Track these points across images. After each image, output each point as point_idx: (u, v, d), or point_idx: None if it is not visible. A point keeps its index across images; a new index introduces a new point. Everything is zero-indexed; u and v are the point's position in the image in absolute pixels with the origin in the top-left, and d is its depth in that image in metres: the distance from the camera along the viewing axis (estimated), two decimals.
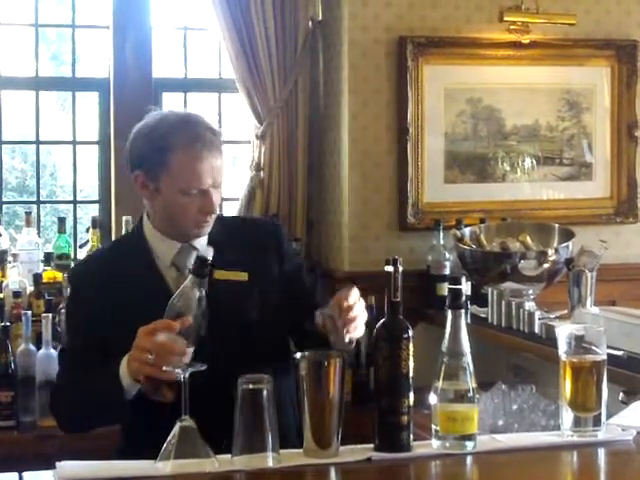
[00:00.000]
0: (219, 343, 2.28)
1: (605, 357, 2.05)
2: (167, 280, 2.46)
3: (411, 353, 1.96)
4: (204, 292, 2.15)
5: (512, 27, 4.36)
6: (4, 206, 4.37)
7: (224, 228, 2.54)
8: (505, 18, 4.32)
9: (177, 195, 2.40)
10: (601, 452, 2.02)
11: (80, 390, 2.35)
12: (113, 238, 4.22)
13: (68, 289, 2.54)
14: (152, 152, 2.40)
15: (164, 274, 2.47)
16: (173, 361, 2.09)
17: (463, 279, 2.01)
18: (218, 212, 2.51)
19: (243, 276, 2.46)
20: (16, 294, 3.65)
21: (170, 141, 2.38)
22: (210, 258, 2.23)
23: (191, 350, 2.14)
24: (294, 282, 2.55)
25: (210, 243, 2.49)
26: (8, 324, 3.53)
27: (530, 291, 3.74)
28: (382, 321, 1.99)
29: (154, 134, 2.41)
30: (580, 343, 2.04)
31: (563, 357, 2.05)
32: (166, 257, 2.48)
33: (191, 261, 2.28)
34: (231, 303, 2.40)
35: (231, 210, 4.30)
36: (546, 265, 3.73)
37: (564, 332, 2.07)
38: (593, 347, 2.04)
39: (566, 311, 3.54)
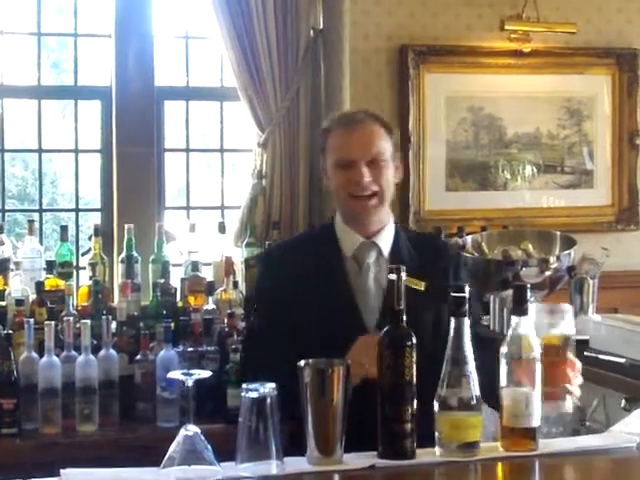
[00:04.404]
0: None
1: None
2: (348, 272, 2.57)
3: (414, 361, 1.96)
4: None
5: (513, 36, 4.38)
6: (6, 214, 4.37)
7: (409, 237, 2.67)
8: (506, 27, 4.33)
9: (334, 170, 2.57)
10: (604, 459, 2.02)
11: (280, 374, 2.06)
12: (115, 247, 4.22)
13: (258, 269, 2.75)
14: (321, 138, 2.65)
15: (346, 266, 2.58)
16: None
17: (466, 287, 2.02)
18: (377, 188, 2.54)
19: (420, 285, 2.48)
20: (18, 302, 3.65)
21: (330, 124, 2.63)
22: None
23: None
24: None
25: (393, 249, 2.59)
26: (11, 332, 3.52)
27: (532, 299, 3.73)
28: (385, 329, 2.00)
29: (324, 124, 2.69)
30: None
31: None
32: (348, 250, 2.59)
33: (372, 256, 2.54)
34: (407, 309, 2.36)
35: (232, 218, 4.29)
36: (548, 273, 3.73)
37: None
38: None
39: None
